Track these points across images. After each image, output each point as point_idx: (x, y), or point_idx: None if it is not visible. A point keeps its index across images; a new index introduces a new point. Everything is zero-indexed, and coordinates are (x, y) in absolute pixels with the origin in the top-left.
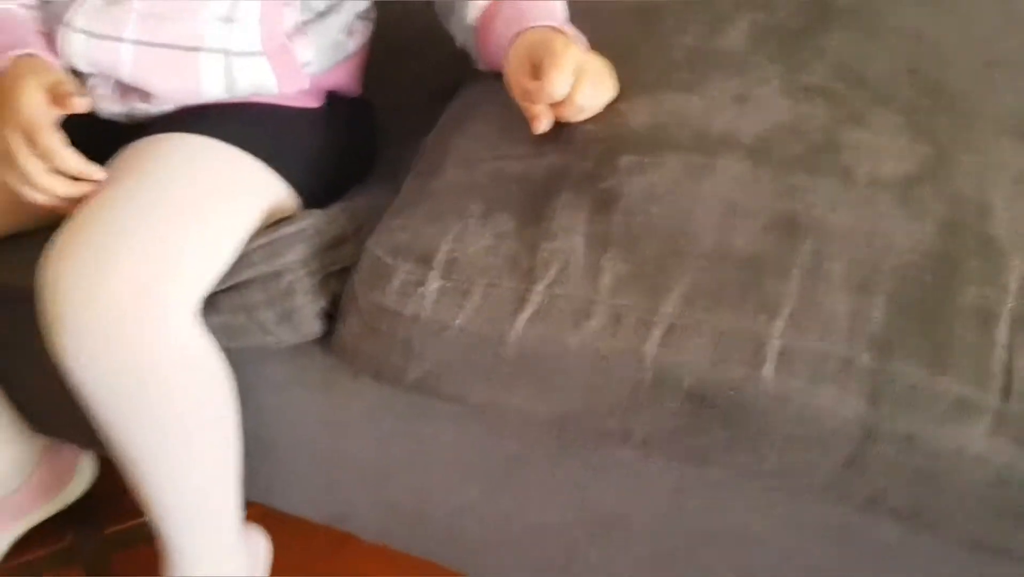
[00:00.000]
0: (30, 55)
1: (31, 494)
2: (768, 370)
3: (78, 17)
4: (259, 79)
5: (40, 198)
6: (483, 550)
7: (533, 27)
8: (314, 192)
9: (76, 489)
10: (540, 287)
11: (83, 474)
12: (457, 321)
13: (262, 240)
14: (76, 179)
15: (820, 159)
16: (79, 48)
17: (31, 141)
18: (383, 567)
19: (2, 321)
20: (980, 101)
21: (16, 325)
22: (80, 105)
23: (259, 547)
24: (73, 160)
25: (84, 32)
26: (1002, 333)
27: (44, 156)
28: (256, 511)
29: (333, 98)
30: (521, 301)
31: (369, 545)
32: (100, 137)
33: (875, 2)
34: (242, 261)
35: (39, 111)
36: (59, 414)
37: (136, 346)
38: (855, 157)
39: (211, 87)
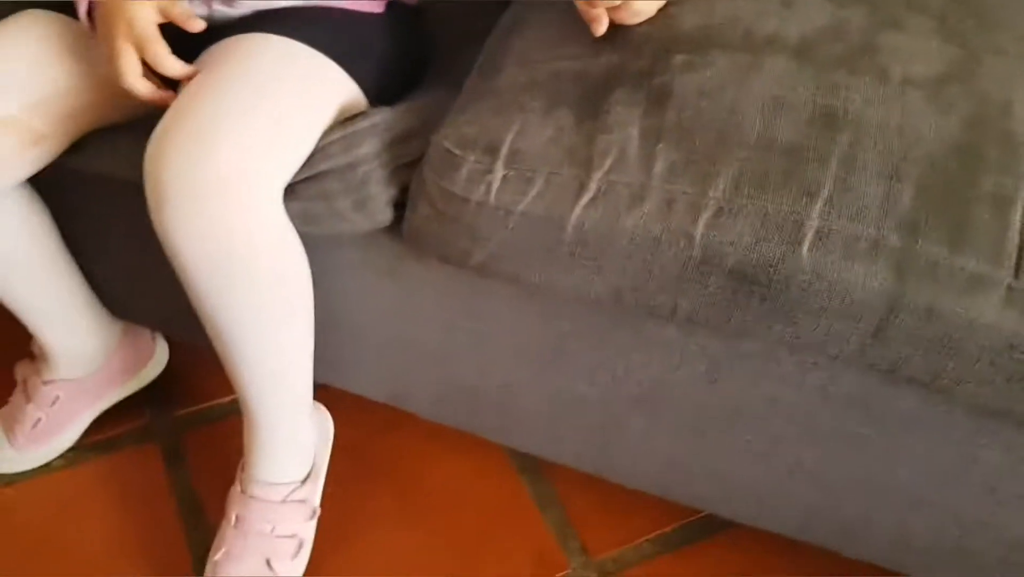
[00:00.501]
0: None
1: (111, 375)
2: (805, 248)
3: None
4: None
5: (141, 95)
6: (532, 423)
7: None
8: (379, 91)
9: (152, 372)
10: (598, 175)
11: (158, 359)
12: (520, 207)
13: (337, 134)
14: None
15: (858, 59)
16: None
17: (141, 51)
18: (435, 446)
19: (91, 213)
20: (1007, 7)
21: (104, 216)
22: (197, 25)
23: (326, 423)
24: (177, 67)
25: None
26: (1016, 217)
27: (152, 64)
28: (318, 391)
29: (393, 4)
30: (580, 188)
31: (422, 426)
32: (182, 37)
33: None
34: (320, 153)
35: (150, 27)
36: (138, 301)
37: (230, 221)
38: (890, 58)
39: None
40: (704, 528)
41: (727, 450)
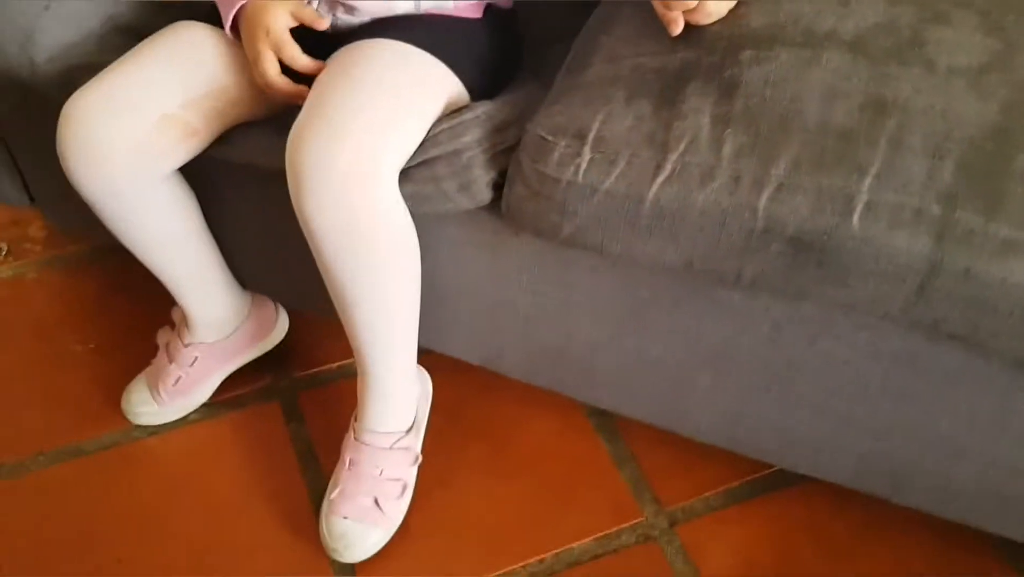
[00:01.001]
0: None
1: (242, 340)
2: (856, 218)
3: None
4: None
5: (280, 90)
6: (612, 382)
7: None
8: (480, 86)
9: (274, 339)
10: (673, 156)
11: (280, 328)
12: (605, 185)
13: (445, 125)
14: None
15: (907, 52)
16: None
17: (278, 52)
18: (523, 407)
19: (230, 196)
20: None
21: (241, 199)
22: (323, 24)
23: (427, 382)
24: (308, 64)
25: None
26: None
27: (288, 64)
28: (420, 355)
29: (490, 9)
30: (657, 168)
31: (512, 389)
32: (309, 43)
33: None
34: (430, 141)
35: (284, 32)
36: (265, 275)
37: (356, 200)
38: (937, 50)
39: (402, 2)
40: (769, 483)
41: (787, 404)
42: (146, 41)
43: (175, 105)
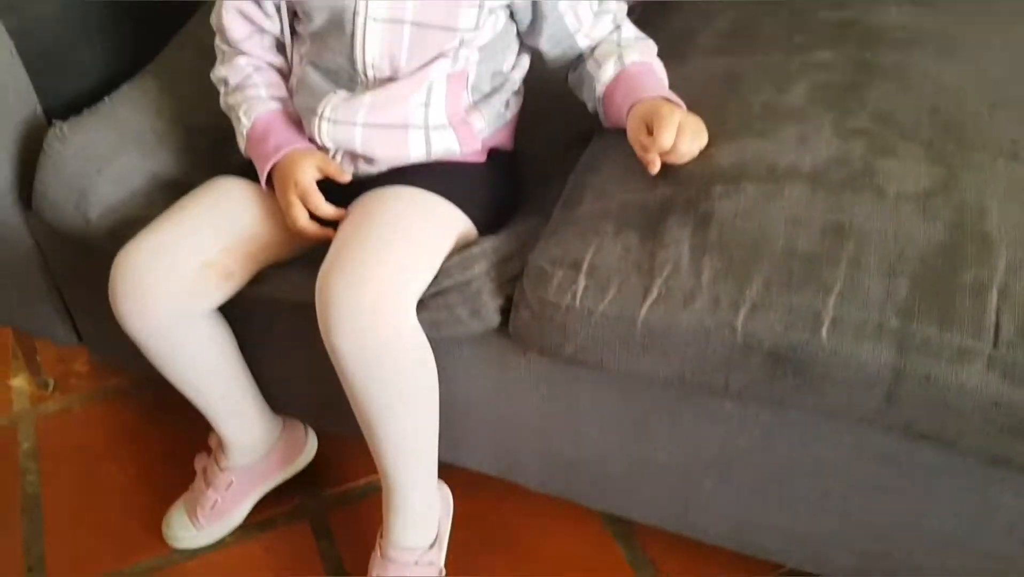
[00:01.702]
0: (297, 148)
1: (274, 461)
2: (824, 333)
3: (327, 110)
4: (447, 144)
5: (309, 234)
6: (623, 489)
7: (644, 98)
8: (485, 223)
9: (304, 460)
10: (659, 281)
11: (309, 449)
12: (600, 308)
13: (456, 258)
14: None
15: (860, 182)
16: (326, 131)
17: (305, 201)
18: (541, 515)
19: (263, 329)
20: (983, 132)
21: (272, 332)
22: (345, 177)
23: (447, 496)
24: (331, 211)
25: (329, 120)
26: (992, 300)
27: (313, 210)
28: (439, 469)
29: (494, 153)
30: (645, 292)
31: (530, 498)
32: (332, 190)
33: (908, 59)
34: (443, 273)
35: (311, 184)
36: (296, 399)
37: (380, 329)
38: (886, 179)
39: (415, 152)
40: None
41: (786, 504)
42: (188, 196)
43: (214, 252)
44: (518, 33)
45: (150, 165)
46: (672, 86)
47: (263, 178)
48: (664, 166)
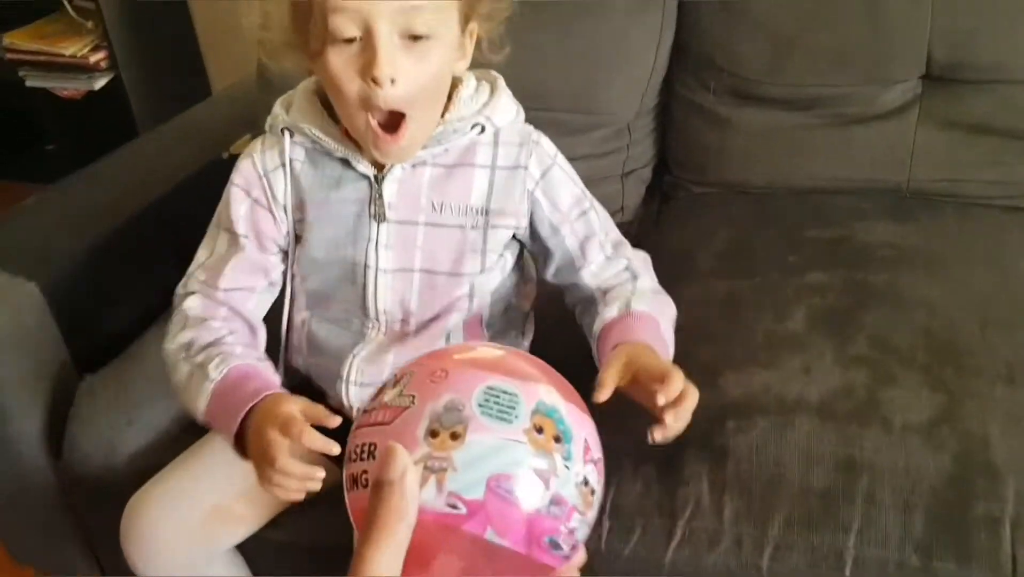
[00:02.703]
0: (274, 394)
1: None
2: (848, 573)
3: (353, 373)
4: None
5: (294, 477)
6: None
7: (636, 340)
8: None
9: None
10: (681, 522)
11: None
12: (625, 552)
13: None
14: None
15: (866, 413)
16: (355, 394)
17: (286, 432)
18: None
19: (277, 567)
20: (978, 356)
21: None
22: (334, 421)
23: None
24: (318, 442)
25: (356, 383)
26: (1006, 533)
27: (298, 440)
28: None
29: None
30: (669, 534)
31: None
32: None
33: (897, 279)
34: None
35: (295, 414)
36: None
37: None
38: (890, 409)
39: None
40: None
41: None
42: (202, 440)
43: (227, 497)
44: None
45: (177, 407)
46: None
47: (232, 432)
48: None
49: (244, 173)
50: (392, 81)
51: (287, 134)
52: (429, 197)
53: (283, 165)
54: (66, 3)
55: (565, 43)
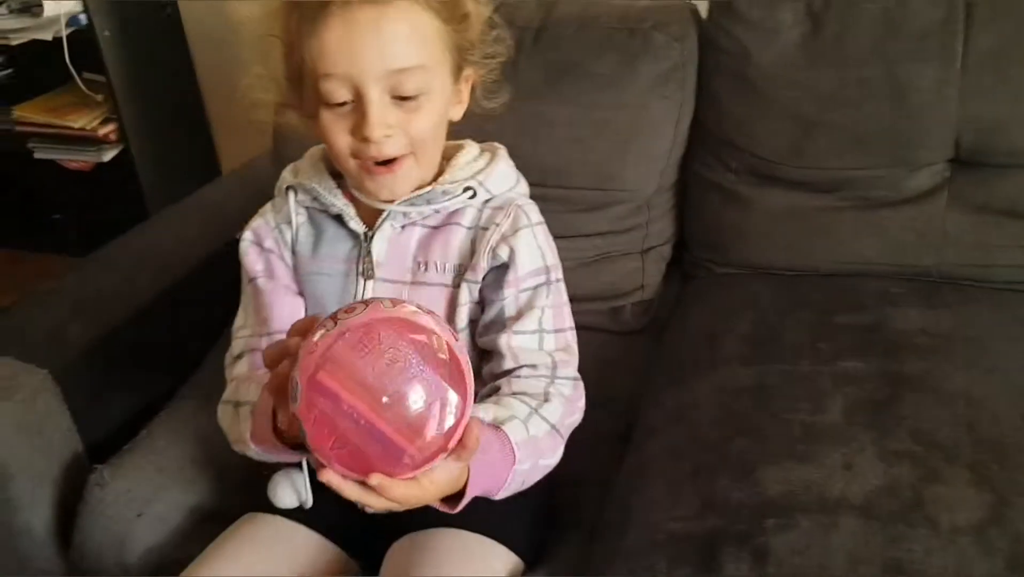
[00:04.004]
0: None
1: None
2: None
3: None
4: None
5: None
6: None
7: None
8: (530, 553)
9: None
10: None
11: None
12: None
13: None
14: None
15: (912, 513)
16: None
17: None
18: None
19: None
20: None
21: None
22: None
23: None
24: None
25: None
26: None
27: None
28: None
29: None
30: None
31: None
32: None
33: (935, 368)
34: None
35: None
36: None
37: None
38: (937, 509)
39: None
40: None
41: None
42: (219, 539)
43: None
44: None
45: (189, 499)
46: (702, 397)
47: (269, 436)
48: (711, 492)
49: (255, 229)
50: (386, 136)
51: (292, 193)
52: (415, 257)
53: (292, 221)
54: (76, 76)
55: (583, 116)
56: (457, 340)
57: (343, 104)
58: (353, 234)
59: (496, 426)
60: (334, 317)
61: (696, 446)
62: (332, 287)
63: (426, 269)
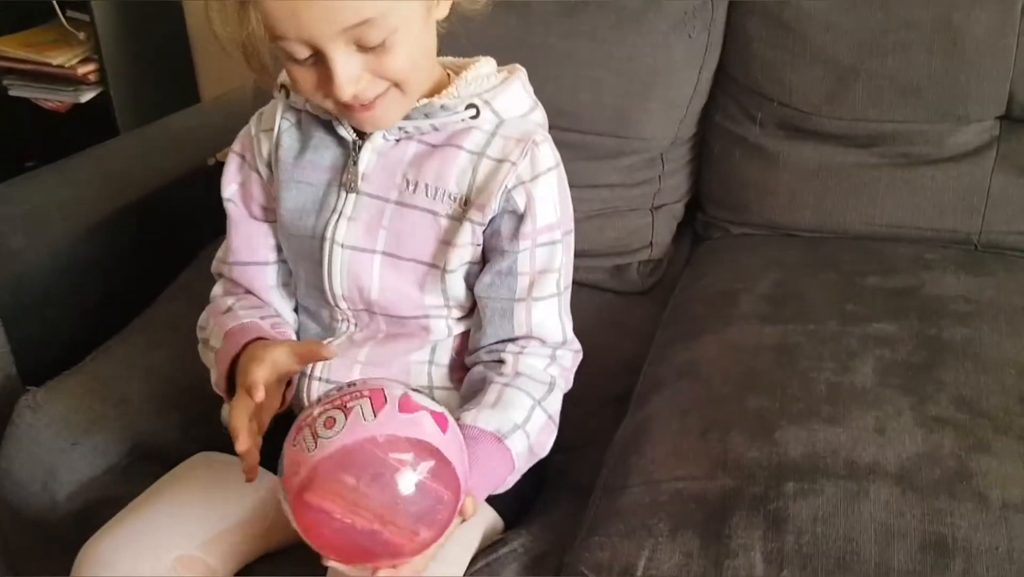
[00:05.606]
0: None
1: None
2: None
3: (317, 367)
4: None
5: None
6: None
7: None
8: (513, 512)
9: None
10: None
11: None
12: None
13: (482, 562)
14: None
15: (957, 484)
16: (316, 389)
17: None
18: None
19: None
20: None
21: None
22: (332, 352)
23: None
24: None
25: (321, 379)
26: None
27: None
28: None
29: None
30: None
31: None
32: None
33: (977, 336)
34: None
35: (262, 380)
36: None
37: None
38: (986, 483)
39: None
40: None
41: None
42: (164, 479)
43: (191, 546)
44: None
45: (131, 434)
46: (719, 354)
47: (223, 388)
48: (724, 453)
49: (240, 137)
50: (360, 90)
51: (283, 91)
52: (404, 174)
53: (274, 127)
54: (59, 11)
55: (599, 54)
56: (448, 421)
57: (307, 59)
58: (342, 142)
59: (499, 438)
60: (312, 425)
61: (707, 403)
62: (311, 199)
63: (415, 190)
